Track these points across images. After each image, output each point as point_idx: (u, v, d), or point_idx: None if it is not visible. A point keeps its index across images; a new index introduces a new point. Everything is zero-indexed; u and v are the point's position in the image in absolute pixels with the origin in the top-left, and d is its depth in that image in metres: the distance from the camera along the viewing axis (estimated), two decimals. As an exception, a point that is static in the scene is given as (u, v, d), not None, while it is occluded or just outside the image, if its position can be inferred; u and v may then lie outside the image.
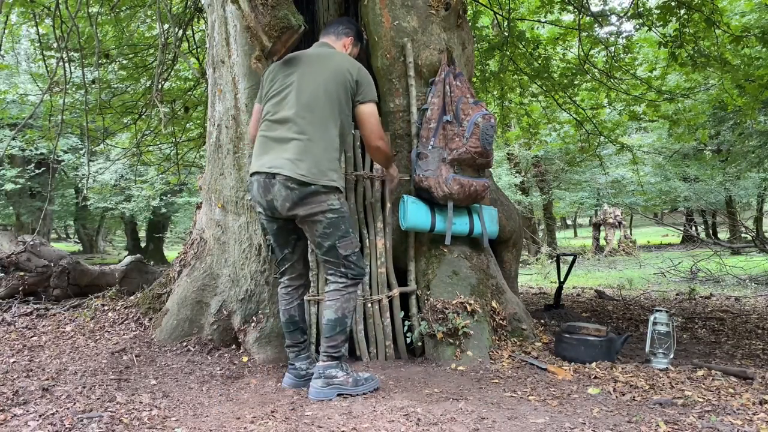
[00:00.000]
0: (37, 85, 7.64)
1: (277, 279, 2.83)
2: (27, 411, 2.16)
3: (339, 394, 2.47)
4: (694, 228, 17.90)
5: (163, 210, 15.70)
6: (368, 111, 2.61)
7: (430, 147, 3.21)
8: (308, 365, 2.71)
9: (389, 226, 3.33)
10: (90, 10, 5.34)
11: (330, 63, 2.60)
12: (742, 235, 14.24)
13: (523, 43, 6.35)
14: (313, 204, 2.50)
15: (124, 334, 3.49)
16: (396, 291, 3.29)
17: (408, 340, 3.26)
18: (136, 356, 3.08)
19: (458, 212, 3.30)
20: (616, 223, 15.23)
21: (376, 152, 2.72)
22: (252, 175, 2.60)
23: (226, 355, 3.19)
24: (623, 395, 2.43)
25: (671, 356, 3.05)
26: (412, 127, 3.34)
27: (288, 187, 2.47)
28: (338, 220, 2.53)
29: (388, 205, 3.33)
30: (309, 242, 2.70)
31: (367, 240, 3.26)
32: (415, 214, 3.19)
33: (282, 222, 2.64)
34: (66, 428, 2.01)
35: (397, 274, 3.36)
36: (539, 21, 6.73)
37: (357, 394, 2.48)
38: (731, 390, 2.49)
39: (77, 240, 23.75)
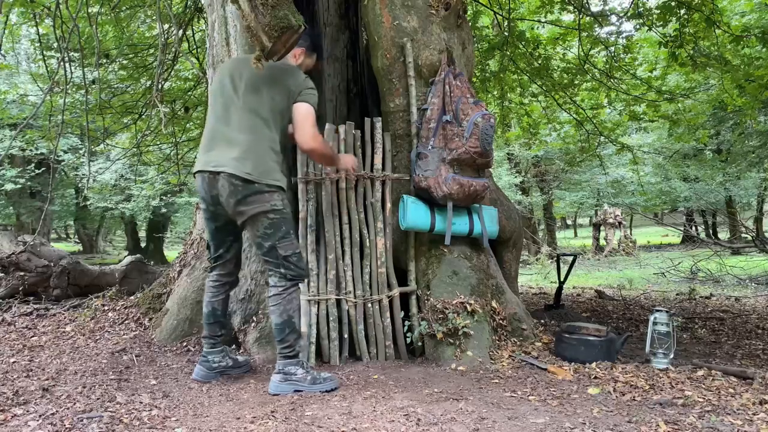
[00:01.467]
0: (38, 85, 7.64)
1: (207, 272, 2.92)
2: (27, 411, 2.16)
3: (296, 390, 2.54)
4: (694, 228, 17.90)
5: (163, 210, 15.69)
6: (303, 111, 2.61)
7: (429, 147, 3.21)
8: (221, 358, 2.78)
9: (389, 226, 3.33)
10: (90, 10, 5.34)
11: (272, 68, 2.66)
12: (742, 235, 14.24)
13: (523, 43, 6.35)
14: (256, 203, 2.54)
15: (124, 334, 3.49)
16: (396, 291, 3.29)
17: (408, 340, 3.26)
18: (136, 356, 3.08)
19: (458, 212, 3.30)
20: (616, 223, 15.23)
21: (311, 153, 2.72)
22: (196, 173, 2.66)
23: (226, 355, 3.19)
24: (623, 395, 2.43)
25: (671, 356, 3.05)
26: (412, 127, 3.34)
27: (232, 183, 2.52)
28: (280, 220, 2.58)
29: (388, 205, 3.33)
30: (250, 241, 2.76)
31: (368, 240, 3.26)
32: (414, 214, 3.19)
33: (222, 223, 2.70)
34: (66, 428, 2.01)
35: (397, 274, 3.36)
36: (539, 21, 6.73)
37: (313, 392, 2.53)
38: (731, 390, 2.49)
39: (77, 240, 23.74)
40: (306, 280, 3.04)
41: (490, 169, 3.61)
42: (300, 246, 2.67)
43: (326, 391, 2.55)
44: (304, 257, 2.74)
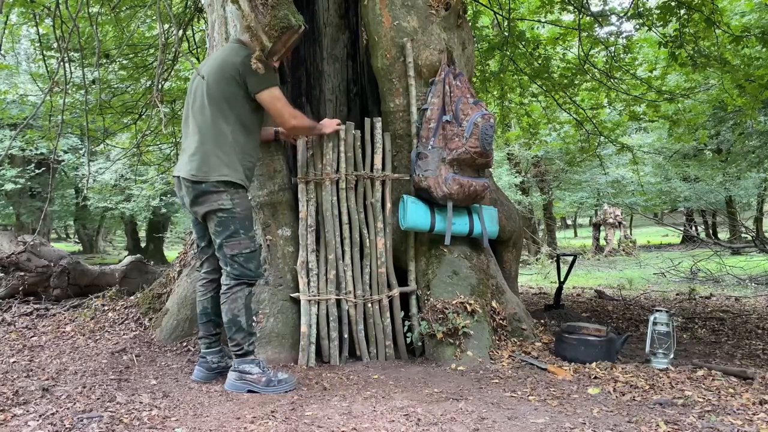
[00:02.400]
0: (37, 85, 7.64)
1: (198, 271, 2.97)
2: (27, 411, 2.16)
3: (249, 391, 2.55)
4: (694, 228, 17.90)
5: (163, 210, 15.69)
6: (266, 99, 2.64)
7: (429, 147, 3.21)
8: (219, 358, 2.78)
9: (389, 226, 3.33)
10: (90, 10, 5.33)
11: (218, 59, 2.69)
12: (742, 235, 14.24)
13: (523, 43, 6.34)
14: (205, 203, 2.62)
15: (124, 334, 3.49)
16: (396, 291, 3.29)
17: (408, 340, 3.26)
18: (136, 356, 3.08)
19: (458, 212, 3.30)
20: (616, 223, 15.23)
21: (293, 131, 2.89)
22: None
23: (226, 355, 3.19)
24: (623, 395, 2.43)
25: (671, 356, 3.05)
26: (412, 126, 3.34)
27: (185, 185, 2.64)
28: (227, 220, 2.62)
29: (388, 205, 3.33)
30: None
31: (368, 240, 3.26)
32: (414, 214, 3.19)
33: (196, 218, 2.78)
34: (66, 428, 2.01)
35: (397, 274, 3.36)
36: (539, 21, 6.73)
37: (266, 393, 2.53)
38: (731, 390, 2.49)
39: (77, 240, 23.75)
40: (260, 282, 3.05)
41: (489, 169, 3.62)
42: (254, 246, 2.67)
43: (282, 393, 2.54)
44: (259, 258, 2.74)
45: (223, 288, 2.66)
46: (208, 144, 2.61)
